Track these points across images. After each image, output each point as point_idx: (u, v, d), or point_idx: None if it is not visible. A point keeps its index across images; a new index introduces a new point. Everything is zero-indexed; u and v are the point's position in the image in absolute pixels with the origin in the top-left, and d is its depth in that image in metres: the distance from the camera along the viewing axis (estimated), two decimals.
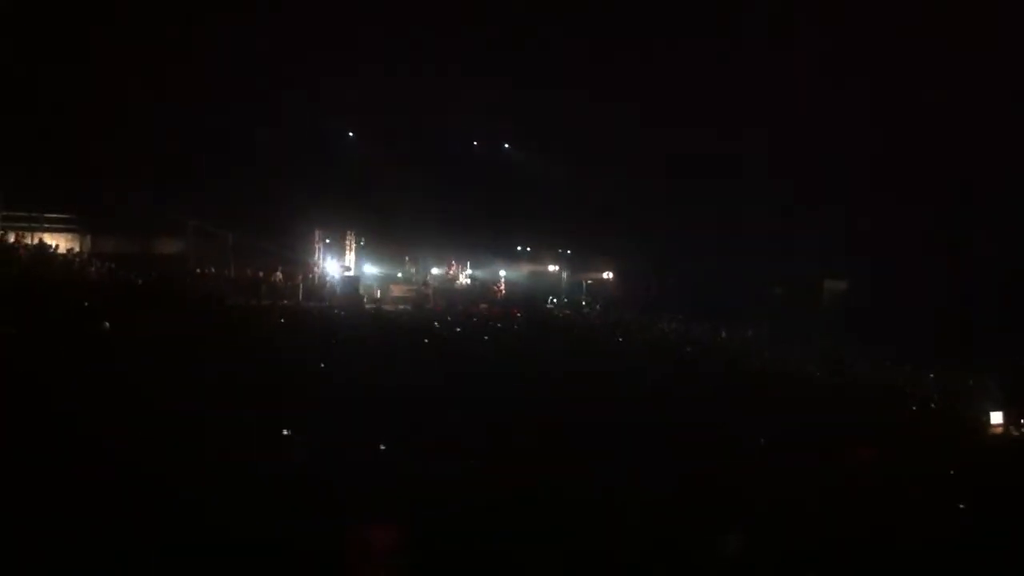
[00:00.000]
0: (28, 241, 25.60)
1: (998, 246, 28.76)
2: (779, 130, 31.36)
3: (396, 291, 31.57)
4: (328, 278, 29.90)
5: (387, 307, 28.72)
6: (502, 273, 36.18)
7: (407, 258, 34.05)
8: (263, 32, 28.43)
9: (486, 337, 22.57)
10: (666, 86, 32.25)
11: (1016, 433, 15.66)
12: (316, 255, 30.57)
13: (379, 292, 30.88)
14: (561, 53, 31.81)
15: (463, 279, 35.33)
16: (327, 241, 30.99)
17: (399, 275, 33.40)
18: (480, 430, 11.13)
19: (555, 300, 34.58)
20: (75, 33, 27.05)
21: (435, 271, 34.54)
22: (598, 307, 33.38)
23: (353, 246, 31.55)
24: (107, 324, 16.08)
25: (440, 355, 19.20)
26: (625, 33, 30.83)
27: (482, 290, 34.59)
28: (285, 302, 25.86)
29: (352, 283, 29.69)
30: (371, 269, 32.35)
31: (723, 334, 27.20)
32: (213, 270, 28.56)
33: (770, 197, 31.65)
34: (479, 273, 35.95)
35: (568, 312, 32.53)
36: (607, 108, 33.69)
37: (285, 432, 10.33)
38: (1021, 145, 26.81)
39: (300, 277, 29.28)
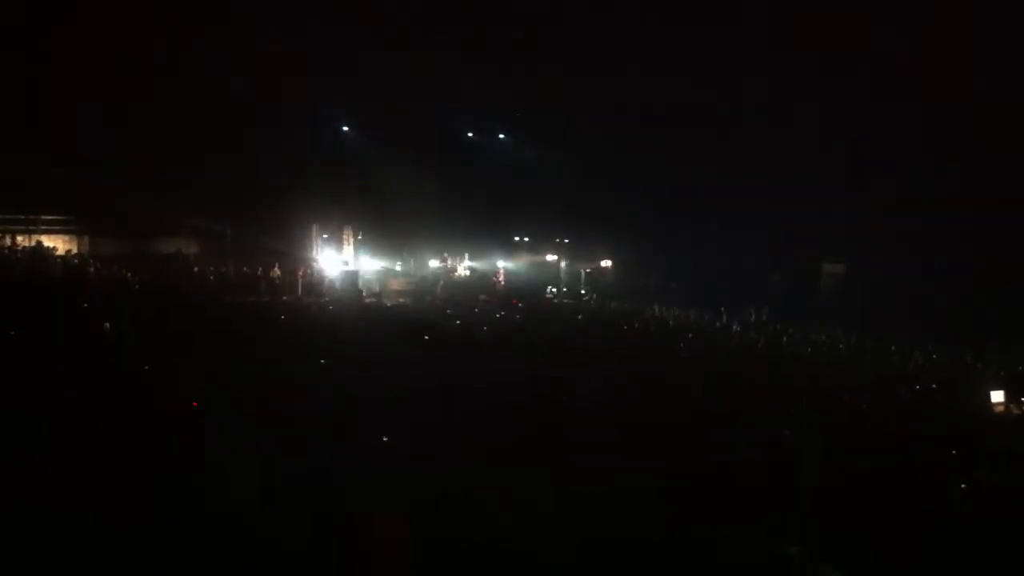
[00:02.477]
0: (26, 243, 25.65)
1: (999, 228, 28.66)
2: (777, 117, 31.31)
3: (395, 285, 31.52)
4: (326, 273, 29.87)
5: (386, 301, 28.72)
6: (501, 264, 36.16)
7: (405, 251, 34.01)
8: (259, 29, 28.36)
9: (485, 328, 22.57)
10: (665, 75, 32.16)
11: (1017, 412, 15.66)
12: (314, 251, 30.54)
13: (378, 286, 30.83)
14: (560, 41, 31.70)
15: (462, 271, 35.31)
16: (325, 236, 30.95)
17: (397, 269, 33.38)
18: (481, 422, 11.15)
19: (554, 290, 34.54)
20: (70, 32, 26.99)
21: (434, 264, 34.51)
22: (595, 296, 33.33)
23: (351, 241, 31.49)
24: (107, 325, 16.14)
25: (441, 348, 19.23)
26: (624, 22, 30.71)
27: (481, 282, 34.57)
28: (284, 298, 25.85)
29: (351, 278, 29.61)
30: (369, 263, 32.28)
31: (724, 319, 27.08)
32: (211, 268, 28.58)
33: (768, 183, 31.58)
34: (478, 264, 35.94)
35: (568, 301, 32.51)
36: (605, 97, 33.63)
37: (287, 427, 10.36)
38: (1017, 128, 26.73)
39: (299, 273, 29.26)
